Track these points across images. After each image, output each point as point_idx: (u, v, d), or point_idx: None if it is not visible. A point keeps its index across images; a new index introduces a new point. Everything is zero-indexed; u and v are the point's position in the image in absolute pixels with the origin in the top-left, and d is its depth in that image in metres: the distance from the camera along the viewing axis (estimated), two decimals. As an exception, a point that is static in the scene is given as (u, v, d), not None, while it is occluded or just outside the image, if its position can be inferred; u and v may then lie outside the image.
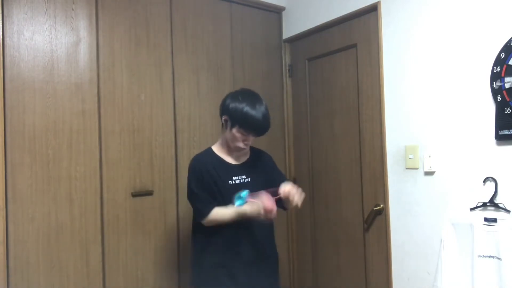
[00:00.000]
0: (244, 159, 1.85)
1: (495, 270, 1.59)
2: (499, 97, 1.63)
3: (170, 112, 2.27)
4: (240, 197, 1.64)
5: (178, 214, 2.27)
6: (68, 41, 1.97)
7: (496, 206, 1.65)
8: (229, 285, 1.72)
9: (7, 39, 1.81)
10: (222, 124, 1.78)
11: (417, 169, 1.97)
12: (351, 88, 2.35)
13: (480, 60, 1.71)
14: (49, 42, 1.92)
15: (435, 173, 1.89)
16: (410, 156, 1.99)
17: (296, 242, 2.75)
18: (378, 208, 2.16)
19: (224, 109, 1.74)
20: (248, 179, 1.78)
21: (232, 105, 1.70)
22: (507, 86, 1.61)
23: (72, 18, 1.98)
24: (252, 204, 1.63)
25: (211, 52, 2.44)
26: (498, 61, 1.64)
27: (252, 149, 1.90)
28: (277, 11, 2.78)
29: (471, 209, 1.72)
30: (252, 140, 1.76)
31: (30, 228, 1.84)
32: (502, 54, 1.62)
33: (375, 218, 2.19)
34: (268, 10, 2.73)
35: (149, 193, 2.17)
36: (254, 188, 1.71)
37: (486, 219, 1.65)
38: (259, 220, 1.66)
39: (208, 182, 1.73)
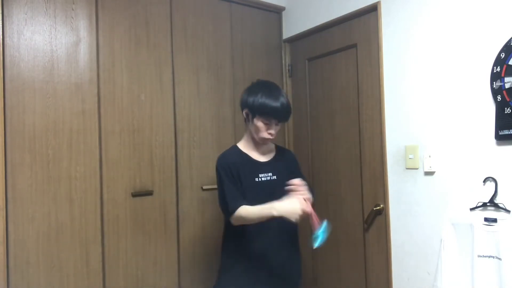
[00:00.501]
0: (270, 156, 1.84)
1: (495, 270, 1.59)
2: (499, 97, 1.63)
3: (170, 112, 2.27)
4: (317, 237, 1.55)
5: (178, 214, 2.27)
6: (68, 41, 1.97)
7: (496, 206, 1.64)
8: None
9: (7, 39, 1.81)
10: (245, 119, 1.79)
11: (417, 169, 1.97)
12: (351, 88, 2.35)
13: (480, 60, 1.71)
14: (49, 42, 1.92)
15: (435, 173, 1.89)
16: (410, 156, 1.99)
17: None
18: (378, 208, 2.16)
19: (243, 103, 1.76)
20: (274, 177, 1.76)
21: (250, 97, 1.72)
22: (507, 86, 1.61)
23: (72, 18, 1.98)
24: (284, 203, 1.58)
25: (211, 52, 2.44)
26: (498, 61, 1.63)
27: (279, 147, 1.91)
28: (277, 11, 2.78)
29: (471, 209, 1.72)
30: (276, 130, 1.74)
31: (30, 228, 1.84)
32: (502, 54, 1.62)
33: (375, 218, 2.19)
34: (268, 10, 2.73)
35: (149, 193, 2.16)
36: (279, 185, 1.69)
37: (486, 219, 1.64)
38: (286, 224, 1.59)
39: (236, 178, 1.72)
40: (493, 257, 1.60)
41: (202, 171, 2.36)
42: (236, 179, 1.71)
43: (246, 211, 1.64)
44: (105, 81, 2.06)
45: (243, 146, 1.82)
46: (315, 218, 1.58)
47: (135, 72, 2.15)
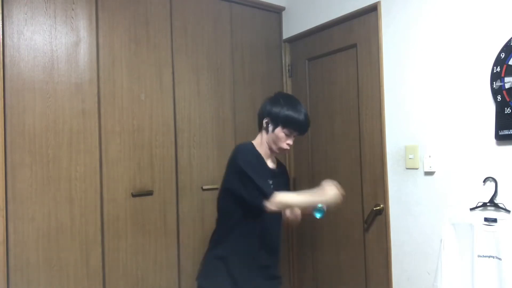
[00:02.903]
0: (274, 165, 1.87)
1: (495, 270, 1.59)
2: (499, 97, 1.63)
3: (170, 112, 2.27)
4: (320, 209, 1.69)
5: (178, 214, 2.27)
6: (68, 41, 1.97)
7: (496, 206, 1.65)
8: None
9: (7, 39, 1.81)
10: (262, 126, 1.80)
11: (417, 169, 1.97)
12: (351, 88, 2.35)
13: (480, 60, 1.71)
14: (49, 42, 1.92)
15: (435, 173, 1.89)
16: (410, 156, 1.99)
17: (296, 242, 2.74)
18: (378, 208, 2.16)
19: (266, 112, 1.78)
20: (272, 186, 1.76)
21: (275, 108, 1.75)
22: (507, 86, 1.61)
23: (72, 18, 1.98)
24: (326, 191, 1.66)
25: (211, 52, 2.44)
26: (498, 61, 1.64)
27: (278, 160, 1.94)
28: (277, 11, 2.78)
29: (471, 209, 1.72)
30: (292, 141, 1.79)
31: (30, 228, 1.84)
32: (502, 54, 1.62)
33: (375, 218, 2.19)
34: (268, 10, 2.73)
35: (149, 193, 2.16)
36: None
37: (486, 219, 1.65)
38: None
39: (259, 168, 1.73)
40: (493, 257, 1.60)
41: (202, 171, 2.36)
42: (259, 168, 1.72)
43: (288, 195, 1.70)
44: (105, 81, 2.06)
45: (257, 147, 1.81)
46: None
47: (135, 72, 2.15)
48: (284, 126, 1.74)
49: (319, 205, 1.68)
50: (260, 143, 1.82)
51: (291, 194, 1.74)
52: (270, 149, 1.81)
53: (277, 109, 1.75)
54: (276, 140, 1.76)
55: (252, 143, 1.82)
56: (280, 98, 1.80)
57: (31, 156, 1.85)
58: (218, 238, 1.82)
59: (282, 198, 1.63)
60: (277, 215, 1.78)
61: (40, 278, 1.85)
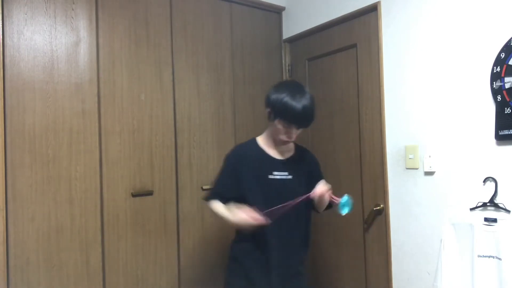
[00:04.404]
0: (288, 155, 1.76)
1: (495, 270, 1.59)
2: (499, 97, 1.63)
3: (170, 112, 2.27)
4: (345, 204, 1.63)
5: (178, 214, 2.27)
6: (68, 41, 1.97)
7: (496, 206, 1.65)
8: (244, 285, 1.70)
9: (7, 39, 1.81)
10: (268, 116, 1.71)
11: (417, 169, 1.97)
12: (351, 88, 2.35)
13: (480, 60, 1.71)
14: (49, 42, 1.92)
15: (435, 173, 1.89)
16: (410, 156, 1.99)
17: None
18: (378, 208, 2.16)
19: (267, 101, 1.67)
20: (290, 176, 1.70)
21: (274, 96, 1.63)
22: (507, 86, 1.61)
23: (72, 18, 1.98)
24: (236, 213, 1.59)
25: (211, 52, 2.44)
26: (498, 61, 1.64)
27: (298, 146, 1.84)
28: (277, 11, 2.78)
29: (471, 209, 1.72)
30: (296, 134, 1.66)
31: (30, 228, 1.84)
32: (502, 54, 1.62)
33: (375, 218, 2.19)
34: (268, 10, 2.73)
35: (149, 193, 2.17)
36: (295, 186, 1.69)
37: (486, 219, 1.64)
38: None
39: (238, 176, 1.68)
40: (493, 257, 1.60)
41: (202, 171, 2.36)
42: (238, 174, 1.68)
43: (216, 206, 1.69)
44: (105, 81, 2.06)
45: (262, 141, 1.75)
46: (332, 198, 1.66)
47: (135, 72, 2.15)
48: (281, 117, 1.60)
49: (345, 198, 1.62)
50: (267, 134, 1.75)
51: (218, 206, 1.67)
52: (274, 139, 1.71)
53: (275, 99, 1.61)
54: (276, 132, 1.65)
55: (254, 140, 1.78)
56: (283, 86, 1.67)
57: (31, 156, 1.85)
58: (234, 237, 1.81)
59: (210, 205, 1.71)
60: (295, 212, 1.66)
61: (40, 278, 1.85)
